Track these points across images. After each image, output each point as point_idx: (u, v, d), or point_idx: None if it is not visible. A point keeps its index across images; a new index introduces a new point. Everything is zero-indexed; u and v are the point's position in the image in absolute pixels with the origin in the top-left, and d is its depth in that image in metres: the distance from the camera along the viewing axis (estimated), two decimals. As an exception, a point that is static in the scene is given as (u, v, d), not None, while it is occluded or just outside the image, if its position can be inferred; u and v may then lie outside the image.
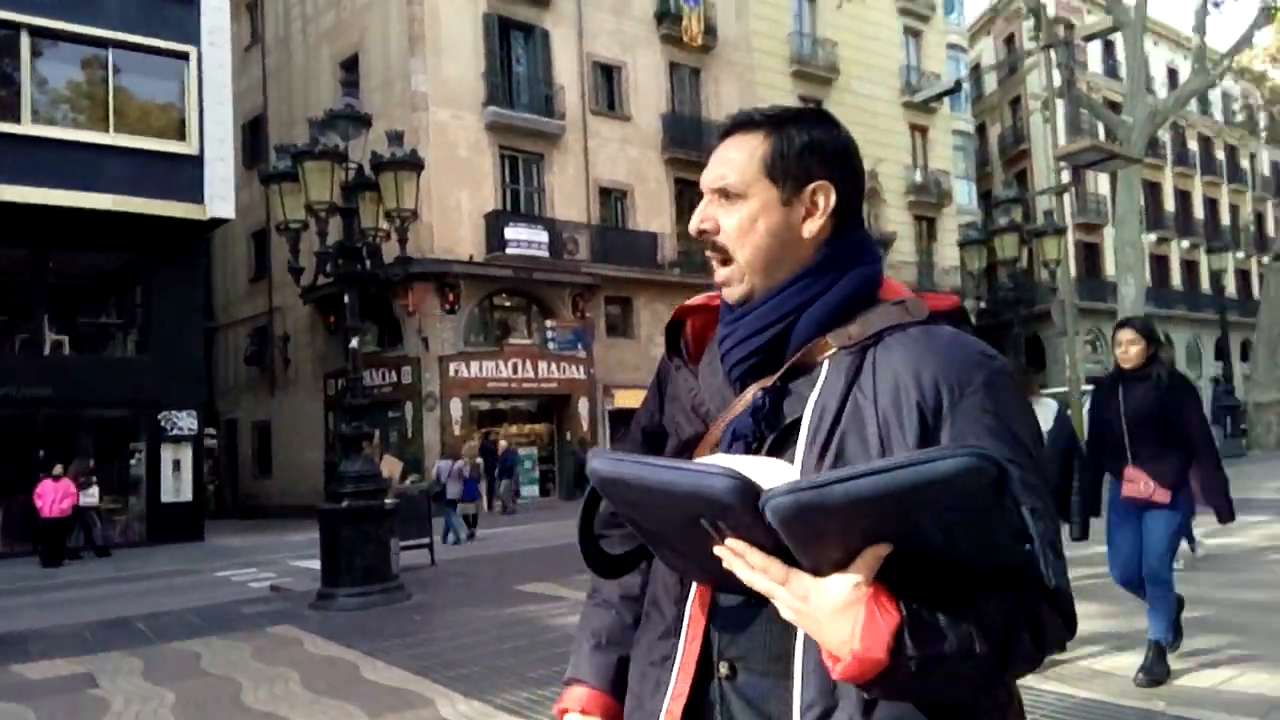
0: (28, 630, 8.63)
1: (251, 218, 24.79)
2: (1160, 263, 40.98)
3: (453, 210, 21.94)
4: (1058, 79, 19.64)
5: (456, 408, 21.67)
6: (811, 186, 1.13)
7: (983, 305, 31.60)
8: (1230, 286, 36.31)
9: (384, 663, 6.21)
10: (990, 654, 0.90)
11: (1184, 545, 7.85)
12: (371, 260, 9.85)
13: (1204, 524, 8.52)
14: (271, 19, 27.85)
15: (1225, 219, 45.96)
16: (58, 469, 15.65)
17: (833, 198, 1.14)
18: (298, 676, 5.99)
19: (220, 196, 18.20)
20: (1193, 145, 44.67)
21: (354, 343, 9.76)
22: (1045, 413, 5.28)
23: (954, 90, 30.73)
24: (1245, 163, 48.40)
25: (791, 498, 0.86)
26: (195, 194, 17.87)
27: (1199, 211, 44.42)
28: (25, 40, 16.71)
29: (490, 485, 20.05)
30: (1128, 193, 20.27)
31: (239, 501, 27.58)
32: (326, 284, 11.10)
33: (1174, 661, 4.62)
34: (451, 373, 21.68)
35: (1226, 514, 4.58)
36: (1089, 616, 5.44)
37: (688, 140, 25.99)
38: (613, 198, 25.42)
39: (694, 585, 1.13)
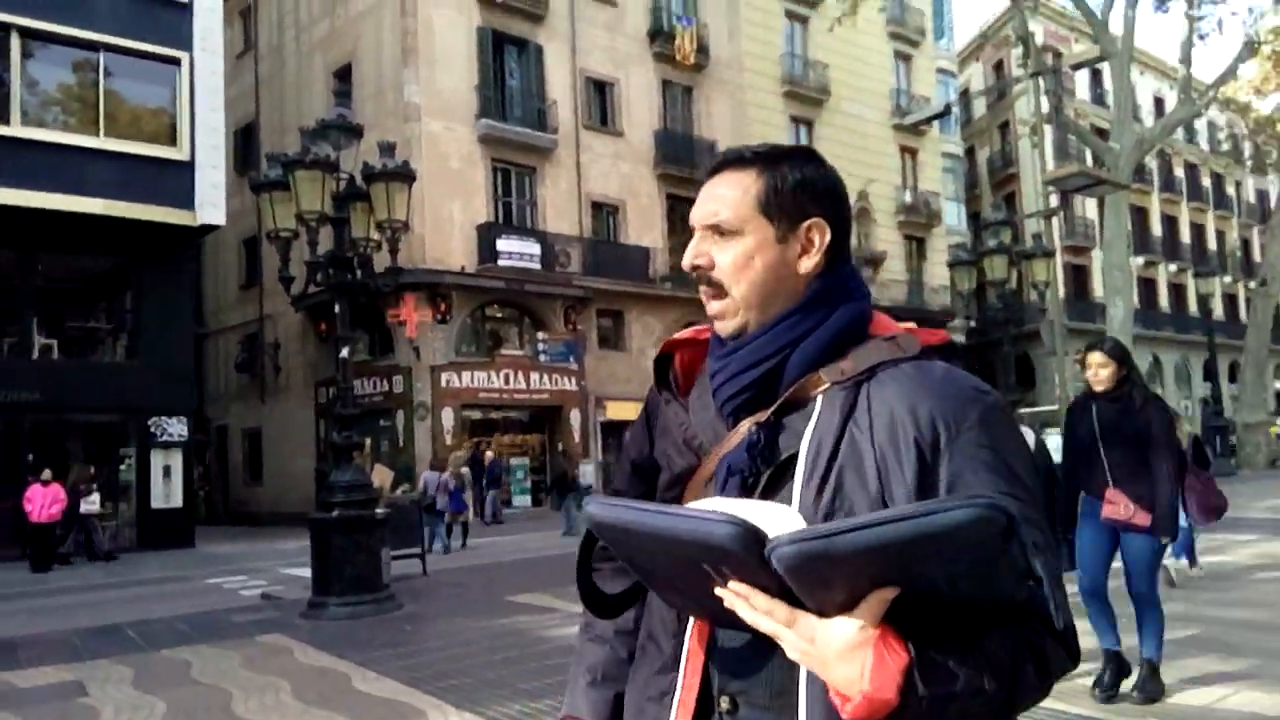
0: (17, 637, 8.55)
1: (242, 224, 24.67)
2: (1148, 285, 41.34)
3: (445, 221, 21.94)
4: (1046, 105, 19.89)
5: (448, 417, 21.63)
6: (807, 224, 1.14)
7: (972, 324, 31.82)
8: (1218, 309, 36.71)
9: (375, 673, 6.18)
10: (999, 690, 0.91)
11: (1178, 563, 7.92)
12: (362, 270, 9.84)
13: (1204, 540, 8.64)
14: (265, 26, 27.82)
15: (1212, 244, 46.43)
16: (46, 474, 15.50)
17: (828, 235, 1.14)
18: (288, 686, 5.96)
19: (211, 203, 18.13)
20: (1179, 172, 45.17)
21: (344, 352, 9.71)
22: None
23: (943, 114, 31.10)
24: (1231, 190, 48.91)
25: (796, 548, 0.86)
26: (186, 200, 17.79)
27: (1185, 236, 44.87)
28: (16, 41, 16.61)
29: (478, 495, 20.01)
30: (1116, 217, 20.50)
31: (230, 508, 27.37)
32: (318, 291, 11.05)
33: (1167, 679, 4.65)
34: (443, 382, 21.64)
35: (1164, 530, 4.47)
36: (1084, 633, 5.43)
37: (680, 157, 26.11)
38: (604, 212, 25.48)
39: (691, 620, 1.12)
